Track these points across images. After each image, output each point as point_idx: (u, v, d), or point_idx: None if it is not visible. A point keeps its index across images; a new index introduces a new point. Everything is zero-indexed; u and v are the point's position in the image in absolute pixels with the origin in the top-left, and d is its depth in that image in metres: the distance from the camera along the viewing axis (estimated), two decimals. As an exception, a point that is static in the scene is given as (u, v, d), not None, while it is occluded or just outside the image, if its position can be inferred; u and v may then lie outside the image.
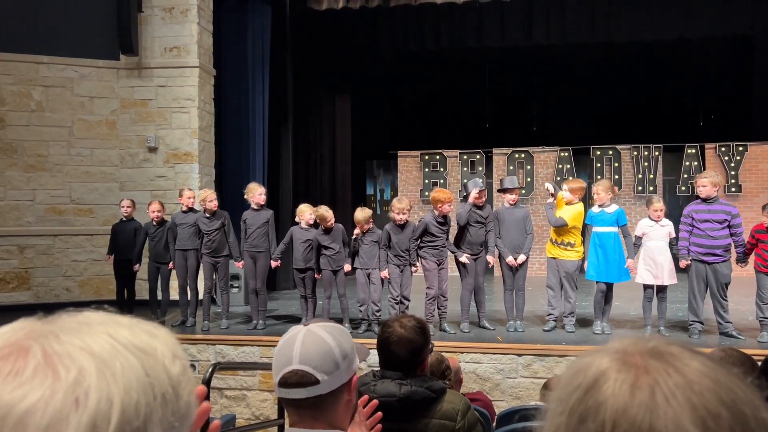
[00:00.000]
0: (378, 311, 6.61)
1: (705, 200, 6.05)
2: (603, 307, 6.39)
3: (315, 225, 6.75)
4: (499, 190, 7.20)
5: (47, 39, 8.68)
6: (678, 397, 0.52)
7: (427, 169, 12.36)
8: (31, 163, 8.75)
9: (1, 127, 8.64)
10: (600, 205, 6.35)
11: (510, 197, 6.63)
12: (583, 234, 6.53)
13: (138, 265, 7.38)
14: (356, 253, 6.66)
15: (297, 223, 6.84)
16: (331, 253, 6.63)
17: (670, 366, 0.54)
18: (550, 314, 6.58)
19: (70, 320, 0.53)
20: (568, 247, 6.42)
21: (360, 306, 6.66)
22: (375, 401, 1.65)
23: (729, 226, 5.96)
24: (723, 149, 11.52)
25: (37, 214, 8.79)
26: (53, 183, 8.83)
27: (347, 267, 6.66)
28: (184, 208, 7.08)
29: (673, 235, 6.28)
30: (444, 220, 6.50)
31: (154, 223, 7.27)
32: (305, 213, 6.76)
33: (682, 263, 6.18)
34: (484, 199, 6.64)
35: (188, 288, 7.10)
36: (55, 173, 8.85)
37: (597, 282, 6.41)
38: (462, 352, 5.93)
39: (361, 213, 6.59)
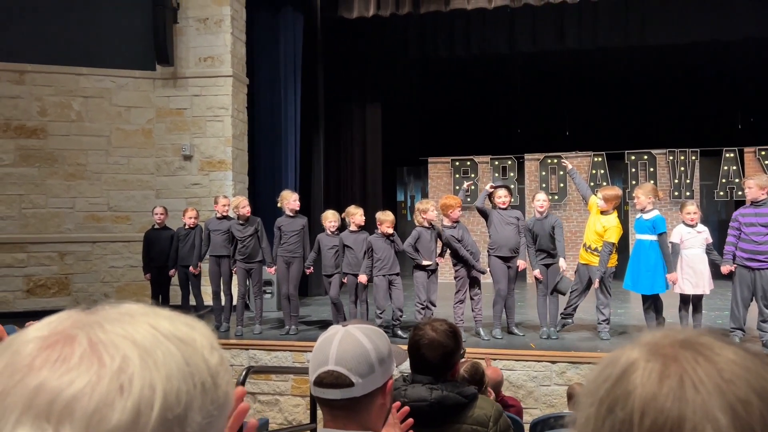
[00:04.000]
0: (401, 316, 6.61)
1: (753, 203, 5.89)
2: (656, 318, 6.12)
3: (341, 230, 6.80)
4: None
5: (86, 51, 8.93)
6: (707, 385, 0.52)
7: (457, 175, 12.32)
8: (71, 172, 9.00)
9: (43, 137, 8.91)
10: (641, 210, 6.20)
11: (538, 204, 6.56)
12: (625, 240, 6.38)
13: (174, 270, 7.52)
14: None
15: (323, 230, 6.90)
16: (350, 255, 6.64)
17: (700, 355, 0.54)
18: (600, 322, 6.36)
19: (112, 311, 0.55)
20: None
21: (380, 312, 6.61)
22: (407, 408, 1.65)
23: None
24: (763, 153, 11.22)
25: (76, 221, 9.02)
26: (92, 191, 9.06)
27: (362, 278, 6.58)
28: (219, 215, 7.19)
29: (710, 240, 6.11)
30: (456, 225, 6.47)
31: (186, 228, 7.41)
32: (328, 219, 6.83)
33: (725, 269, 6.00)
34: (504, 200, 6.58)
35: (222, 293, 7.20)
36: (94, 181, 9.08)
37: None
38: (495, 359, 5.88)
39: (383, 215, 6.65)
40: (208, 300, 7.50)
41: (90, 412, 0.47)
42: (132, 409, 0.48)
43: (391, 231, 6.58)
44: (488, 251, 6.63)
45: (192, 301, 7.56)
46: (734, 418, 0.50)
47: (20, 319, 5.65)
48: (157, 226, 7.68)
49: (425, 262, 6.36)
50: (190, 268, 7.28)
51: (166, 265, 7.53)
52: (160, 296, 7.65)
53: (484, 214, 6.70)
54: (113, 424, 0.47)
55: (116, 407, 0.47)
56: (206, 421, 0.53)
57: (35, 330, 0.52)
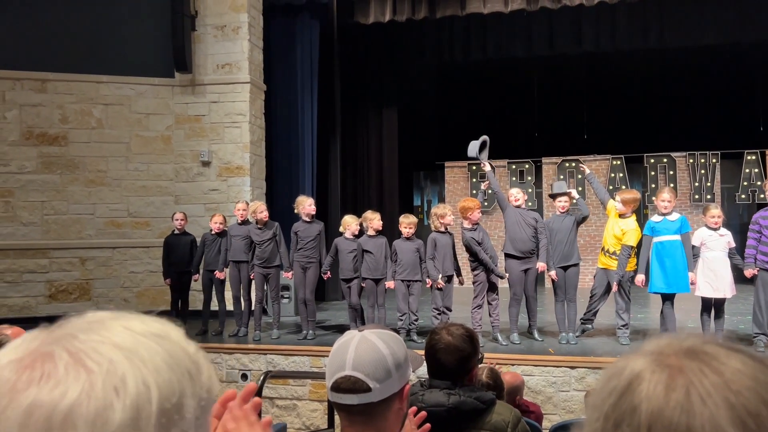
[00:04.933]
0: (417, 320, 6.59)
1: None
2: (672, 323, 6.01)
3: (360, 234, 6.81)
4: (550, 195, 7.12)
5: (106, 59, 9.06)
6: (714, 397, 0.50)
7: (474, 180, 12.27)
8: (91, 178, 9.12)
9: (65, 145, 9.04)
10: (661, 214, 6.08)
11: (560, 204, 6.52)
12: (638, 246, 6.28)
13: (198, 275, 7.56)
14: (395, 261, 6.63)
15: (341, 234, 6.91)
16: (370, 259, 6.64)
17: (706, 365, 0.53)
18: (620, 327, 6.28)
19: (79, 322, 0.55)
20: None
21: (400, 316, 6.61)
22: (423, 413, 1.65)
23: None
24: (786, 155, 11.05)
25: (97, 227, 9.13)
26: (112, 197, 9.17)
27: (390, 284, 6.60)
28: (239, 221, 7.23)
29: (733, 245, 6.01)
30: (476, 228, 6.45)
31: (213, 233, 7.44)
32: (351, 224, 6.83)
33: (748, 273, 5.91)
34: (517, 196, 6.58)
35: (242, 298, 7.23)
36: (114, 187, 9.19)
37: (662, 294, 6.06)
38: (513, 365, 5.85)
39: (404, 217, 6.67)
40: (228, 305, 7.53)
41: (91, 418, 0.47)
42: (131, 406, 0.49)
43: (411, 231, 6.57)
44: (503, 251, 6.61)
45: (214, 306, 7.60)
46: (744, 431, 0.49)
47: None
48: (177, 232, 7.74)
49: (438, 285, 6.36)
50: (216, 272, 7.32)
51: (186, 270, 7.58)
52: (180, 301, 7.71)
53: (501, 202, 6.72)
54: (117, 424, 0.48)
55: (116, 408, 0.48)
56: (201, 405, 0.55)
57: (5, 355, 0.52)
